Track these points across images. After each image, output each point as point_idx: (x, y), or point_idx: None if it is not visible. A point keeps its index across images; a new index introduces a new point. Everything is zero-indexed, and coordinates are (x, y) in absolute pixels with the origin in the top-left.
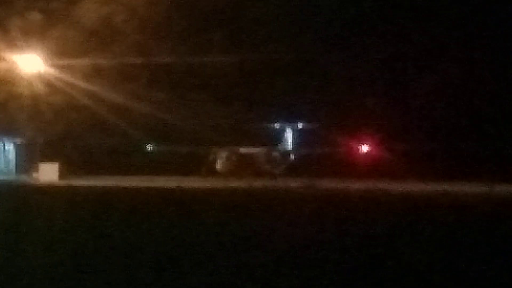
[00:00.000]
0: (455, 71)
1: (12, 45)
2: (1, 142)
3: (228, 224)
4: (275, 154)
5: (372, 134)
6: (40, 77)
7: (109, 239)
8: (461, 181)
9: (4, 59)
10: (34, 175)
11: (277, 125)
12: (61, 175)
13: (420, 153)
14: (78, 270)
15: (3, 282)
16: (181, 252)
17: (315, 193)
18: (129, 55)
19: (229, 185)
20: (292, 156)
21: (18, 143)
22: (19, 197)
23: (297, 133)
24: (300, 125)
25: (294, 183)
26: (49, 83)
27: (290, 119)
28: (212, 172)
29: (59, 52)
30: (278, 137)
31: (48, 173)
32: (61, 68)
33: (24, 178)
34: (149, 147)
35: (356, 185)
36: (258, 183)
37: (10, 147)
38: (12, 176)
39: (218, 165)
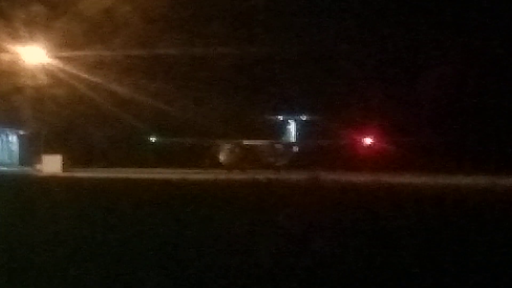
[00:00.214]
0: (455, 65)
1: (16, 36)
2: (5, 134)
3: (230, 216)
4: (279, 146)
5: (375, 127)
6: (44, 69)
7: (112, 230)
8: (464, 174)
9: (7, 51)
10: (38, 166)
11: (280, 118)
12: (65, 167)
13: (424, 146)
14: (80, 260)
15: (7, 271)
16: (184, 243)
17: (319, 185)
18: (133, 47)
19: (232, 177)
20: (295, 149)
21: (22, 135)
22: (22, 188)
23: (300, 126)
24: (303, 118)
25: (297, 176)
26: (52, 75)
27: (294, 112)
28: (215, 164)
29: (63, 43)
30: (281, 129)
31: (51, 164)
32: (65, 59)
33: (27, 169)
34: (152, 139)
35: (359, 178)
36: (261, 176)
37: (14, 139)
38: (15, 168)
39: (222, 158)
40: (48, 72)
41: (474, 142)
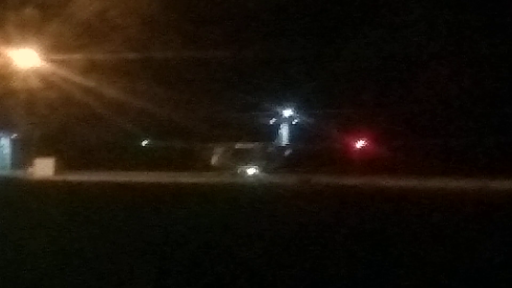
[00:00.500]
0: (448, 67)
1: (8, 40)
2: None
3: (222, 219)
4: (271, 149)
5: (368, 130)
6: (36, 72)
7: (103, 233)
8: (456, 177)
9: None
10: (30, 170)
11: (272, 121)
12: (57, 170)
13: (416, 149)
14: (71, 263)
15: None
16: (175, 246)
17: (310, 188)
18: (125, 50)
19: (224, 180)
20: (287, 152)
21: (14, 138)
22: (13, 191)
23: (292, 129)
24: (296, 121)
25: (289, 179)
26: (45, 78)
27: (286, 115)
28: (207, 167)
29: (55, 47)
30: (273, 132)
31: (43, 168)
32: (57, 63)
33: (19, 173)
34: (144, 143)
35: (351, 181)
36: (253, 179)
37: (5, 142)
38: (7, 171)
39: (214, 161)
40: (41, 75)
41: (466, 144)
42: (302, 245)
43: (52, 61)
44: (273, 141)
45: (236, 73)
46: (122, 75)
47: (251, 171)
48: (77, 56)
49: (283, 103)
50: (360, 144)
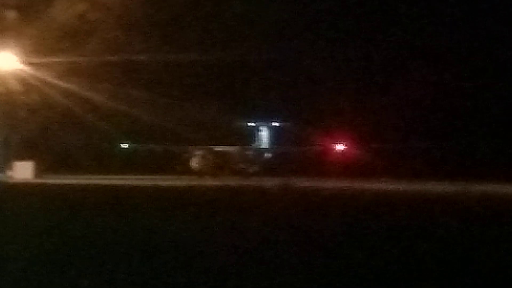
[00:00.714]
0: (432, 69)
1: None
2: None
3: (201, 222)
4: (250, 152)
5: (347, 133)
6: (15, 75)
7: (82, 237)
8: (436, 180)
9: None
10: (9, 173)
11: (252, 124)
12: (36, 174)
13: (396, 152)
14: (50, 268)
15: None
16: (157, 250)
17: (289, 191)
18: (105, 53)
19: (203, 183)
20: (267, 155)
21: None
22: None
23: (272, 132)
24: (275, 124)
25: (268, 182)
26: (23, 81)
27: (266, 118)
28: (187, 170)
29: (34, 50)
30: (253, 135)
31: (22, 171)
32: (36, 66)
33: None
34: (124, 146)
35: (331, 184)
36: (232, 182)
37: None
38: None
39: (193, 164)
40: (20, 78)
41: (446, 147)
42: (276, 250)
43: (31, 64)
44: (252, 144)
45: (215, 76)
46: (101, 78)
47: (231, 173)
48: (55, 59)
49: (263, 106)
50: (339, 147)
